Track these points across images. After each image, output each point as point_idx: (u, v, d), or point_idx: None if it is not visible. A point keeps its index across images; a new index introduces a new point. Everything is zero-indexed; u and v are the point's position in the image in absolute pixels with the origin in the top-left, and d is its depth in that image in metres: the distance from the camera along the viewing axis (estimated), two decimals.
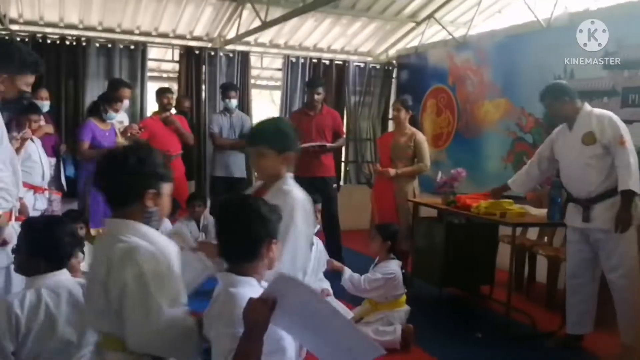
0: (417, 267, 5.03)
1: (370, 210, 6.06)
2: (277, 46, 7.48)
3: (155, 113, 5.87)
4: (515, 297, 4.44)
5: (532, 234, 5.24)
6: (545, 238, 5.17)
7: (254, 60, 7.30)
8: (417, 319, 3.96)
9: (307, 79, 7.35)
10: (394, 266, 3.93)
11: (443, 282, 4.76)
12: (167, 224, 4.84)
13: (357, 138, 7.77)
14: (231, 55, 7.03)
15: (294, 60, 7.34)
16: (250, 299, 1.54)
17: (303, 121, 5.54)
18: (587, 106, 3.73)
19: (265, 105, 9.31)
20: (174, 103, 5.99)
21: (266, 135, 2.23)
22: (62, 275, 2.23)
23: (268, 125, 2.32)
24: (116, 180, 1.74)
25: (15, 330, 2.05)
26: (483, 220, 4.28)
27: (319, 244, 4.33)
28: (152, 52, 6.86)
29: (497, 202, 4.25)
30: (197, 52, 6.82)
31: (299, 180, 2.29)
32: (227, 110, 6.06)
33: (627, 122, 4.38)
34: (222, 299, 1.68)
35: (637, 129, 4.43)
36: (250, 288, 1.67)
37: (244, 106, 6.95)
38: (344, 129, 6.41)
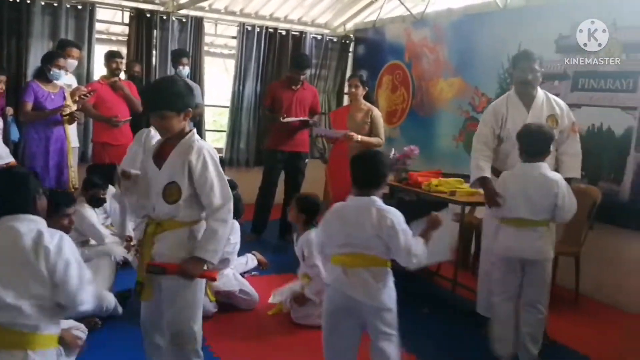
0: None
1: (323, 185, 6.04)
2: (232, 13, 7.27)
3: (103, 77, 5.64)
4: (462, 273, 4.53)
5: (481, 212, 5.33)
6: None
7: (207, 26, 7.11)
8: None
9: (262, 49, 7.23)
10: (313, 236, 3.79)
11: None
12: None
13: None
14: (184, 20, 6.82)
15: (249, 28, 7.19)
16: (434, 215, 2.77)
17: (285, 94, 5.57)
18: (539, 88, 3.71)
19: (218, 74, 9.08)
20: (123, 68, 5.75)
21: (165, 100, 2.39)
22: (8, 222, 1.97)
23: (164, 89, 2.45)
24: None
25: None
26: (433, 197, 4.32)
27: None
28: (101, 13, 6.56)
29: (448, 181, 4.30)
30: (148, 15, 6.57)
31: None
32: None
33: (576, 105, 4.51)
34: (374, 211, 2.60)
35: (585, 113, 4.55)
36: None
37: (196, 74, 6.79)
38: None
